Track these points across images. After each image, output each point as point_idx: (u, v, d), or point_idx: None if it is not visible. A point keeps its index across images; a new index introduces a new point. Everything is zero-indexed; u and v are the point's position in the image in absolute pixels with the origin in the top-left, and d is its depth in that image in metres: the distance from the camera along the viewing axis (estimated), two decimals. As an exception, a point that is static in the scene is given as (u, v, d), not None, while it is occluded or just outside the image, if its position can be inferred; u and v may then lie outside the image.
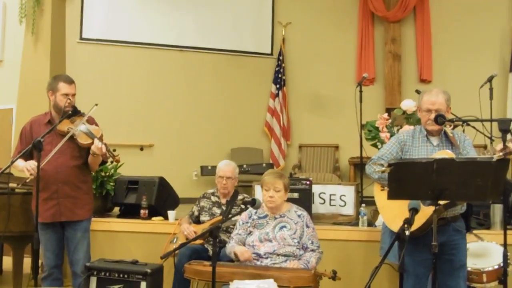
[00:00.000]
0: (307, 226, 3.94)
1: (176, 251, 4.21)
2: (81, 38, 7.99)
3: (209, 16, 8.54)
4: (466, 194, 2.92)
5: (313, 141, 8.57)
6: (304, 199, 5.23)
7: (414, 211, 2.97)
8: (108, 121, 6.99)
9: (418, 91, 5.77)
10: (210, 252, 4.37)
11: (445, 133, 3.52)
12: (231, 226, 4.47)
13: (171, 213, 5.40)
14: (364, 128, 5.72)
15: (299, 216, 3.97)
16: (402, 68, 8.52)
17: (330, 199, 5.57)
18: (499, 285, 3.92)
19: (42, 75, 7.15)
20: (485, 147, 6.72)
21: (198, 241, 4.44)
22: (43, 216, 3.99)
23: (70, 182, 4.11)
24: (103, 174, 5.63)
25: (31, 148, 3.80)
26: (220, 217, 4.61)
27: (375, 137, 5.48)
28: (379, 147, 5.36)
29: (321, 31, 8.76)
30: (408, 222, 2.89)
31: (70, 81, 4.16)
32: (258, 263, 3.80)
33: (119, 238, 5.37)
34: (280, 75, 8.65)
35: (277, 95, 8.62)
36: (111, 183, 5.68)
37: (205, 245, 4.55)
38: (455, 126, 3.97)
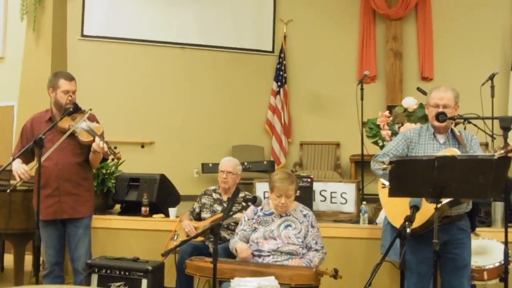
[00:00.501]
0: (312, 226, 3.94)
1: (177, 248, 4.21)
2: (82, 35, 7.99)
3: (210, 13, 8.53)
4: (468, 191, 2.91)
5: (314, 138, 8.58)
6: (305, 197, 5.23)
7: (415, 208, 2.97)
8: (109, 118, 6.99)
9: (419, 89, 5.77)
10: (211, 249, 4.40)
11: (452, 131, 3.51)
12: (232, 224, 4.48)
13: (172, 211, 5.40)
14: (365, 125, 5.72)
15: (304, 215, 3.96)
16: (404, 66, 8.51)
17: (331, 197, 5.57)
18: (500, 282, 3.91)
19: (43, 72, 7.15)
20: (486, 145, 6.73)
21: (199, 238, 4.45)
22: (44, 213, 3.98)
23: (71, 179, 4.11)
24: (104, 171, 5.63)
25: (32, 145, 3.79)
26: (221, 214, 4.61)
27: (376, 134, 5.48)
28: (380, 144, 5.36)
29: (323, 28, 8.76)
30: (409, 219, 2.90)
31: (71, 78, 4.16)
32: (260, 260, 3.80)
33: (120, 236, 5.37)
34: (281, 73, 8.65)
35: (278, 92, 8.62)
36: (112, 181, 5.68)
37: (206, 242, 4.55)
38: (456, 124, 3.96)
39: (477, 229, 4.94)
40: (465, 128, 3.87)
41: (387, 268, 4.76)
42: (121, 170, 5.83)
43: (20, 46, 7.61)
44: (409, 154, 3.49)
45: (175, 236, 4.79)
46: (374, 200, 5.31)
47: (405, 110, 5.36)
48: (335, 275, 3.58)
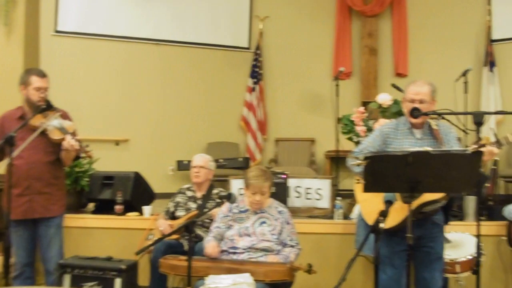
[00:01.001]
0: (287, 223, 3.93)
1: (151, 247, 4.17)
2: (56, 31, 7.86)
3: (185, 9, 8.46)
4: (441, 186, 2.93)
5: (289, 135, 8.58)
6: (280, 193, 5.23)
7: (389, 203, 2.98)
8: (83, 116, 6.92)
9: (394, 85, 5.80)
10: (186, 247, 4.36)
11: (429, 125, 3.51)
12: (207, 221, 4.45)
13: (146, 209, 5.35)
14: (340, 121, 5.74)
15: (279, 212, 3.95)
16: (379, 62, 8.55)
17: (306, 193, 5.58)
18: (472, 275, 3.95)
19: (15, 68, 7.00)
20: (459, 139, 6.80)
21: (173, 236, 4.40)
22: (14, 212, 3.90)
23: (42, 178, 4.04)
24: (77, 169, 5.55)
25: (3, 144, 3.71)
26: (196, 212, 4.58)
27: (351, 130, 5.50)
28: (355, 140, 5.38)
29: (299, 25, 8.75)
30: (383, 214, 2.90)
31: (43, 75, 4.08)
32: (235, 257, 3.77)
33: (94, 235, 5.30)
34: (257, 69, 8.62)
35: (254, 89, 8.60)
36: (86, 179, 5.60)
37: (181, 240, 4.52)
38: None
39: (450, 223, 4.99)
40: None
41: (362, 263, 4.79)
42: (95, 168, 5.75)
43: (-10, 42, 7.46)
44: (386, 150, 3.48)
45: (150, 236, 4.75)
46: (348, 195, 5.34)
47: (380, 106, 5.39)
48: (309, 270, 3.58)
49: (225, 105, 8.59)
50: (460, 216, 5.22)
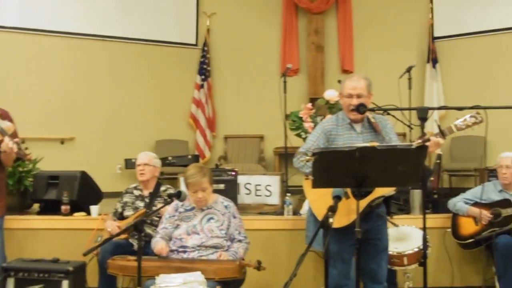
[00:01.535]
0: (234, 217, 3.92)
1: (99, 248, 4.08)
2: (-5, 26, 7.58)
3: (132, 5, 8.32)
4: (388, 180, 2.98)
5: (238, 132, 8.59)
6: (230, 190, 5.22)
7: (337, 199, 3.01)
8: (26, 114, 6.72)
9: (340, 82, 5.85)
10: (135, 247, 4.29)
11: (368, 119, 3.56)
12: (156, 219, 4.39)
13: (94, 208, 5.24)
14: (288, 118, 5.76)
15: (226, 207, 3.94)
16: (325, 59, 8.65)
17: (256, 189, 5.59)
18: (419, 267, 4.05)
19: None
20: (404, 135, 6.95)
21: (122, 236, 4.33)
22: (-47, 215, 3.74)
23: (-18, 180, 3.88)
24: (20, 169, 5.38)
25: None
26: (144, 210, 4.52)
27: (299, 127, 5.52)
28: (303, 137, 5.40)
29: (246, 22, 8.75)
30: (332, 209, 2.93)
31: None
32: (185, 255, 3.74)
33: (39, 236, 5.15)
34: (205, 66, 8.58)
35: (202, 86, 8.56)
36: (30, 179, 5.44)
37: (130, 240, 4.44)
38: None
39: (396, 217, 5.10)
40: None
41: (312, 258, 4.83)
42: (39, 168, 5.59)
43: None
44: (331, 146, 3.52)
45: (99, 238, 4.65)
46: (298, 191, 5.38)
47: (327, 102, 5.43)
48: (259, 267, 3.58)
49: (174, 103, 8.51)
50: (406, 209, 5.33)
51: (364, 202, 3.28)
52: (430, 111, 3.34)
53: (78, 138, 7.90)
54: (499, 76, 7.88)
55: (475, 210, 4.77)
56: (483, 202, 4.70)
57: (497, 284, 4.55)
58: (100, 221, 4.89)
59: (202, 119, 8.50)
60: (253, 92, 8.64)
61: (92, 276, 4.41)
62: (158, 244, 3.78)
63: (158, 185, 4.72)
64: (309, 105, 5.53)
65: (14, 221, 5.01)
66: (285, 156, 6.23)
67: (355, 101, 3.44)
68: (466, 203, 4.88)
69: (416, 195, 5.27)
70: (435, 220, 5.11)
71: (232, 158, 8.44)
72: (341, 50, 8.68)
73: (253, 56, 8.71)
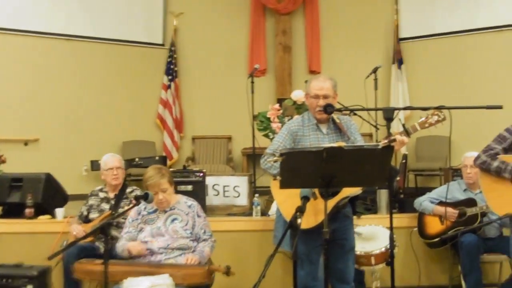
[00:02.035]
0: (198, 216, 3.91)
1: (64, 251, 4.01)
2: (-46, 25, 7.38)
3: (98, 4, 8.19)
4: (355, 180, 3.00)
5: (206, 132, 8.55)
6: (198, 191, 5.21)
7: (305, 199, 3.01)
8: (-13, 115, 6.56)
9: (308, 82, 5.91)
10: (102, 250, 4.23)
11: (333, 119, 3.59)
12: (122, 221, 4.33)
13: (59, 211, 5.16)
14: (256, 118, 5.77)
15: (189, 206, 3.92)
16: (293, 60, 8.68)
17: (224, 191, 5.59)
18: (386, 266, 4.08)
19: None
20: (370, 135, 7.02)
21: (88, 239, 4.26)
22: None
23: None
24: (-18, 172, 5.26)
25: None
26: (109, 212, 4.47)
27: (267, 127, 5.54)
28: (270, 137, 5.42)
29: (214, 22, 8.72)
30: (300, 210, 2.94)
31: None
32: (152, 258, 3.71)
33: (2, 240, 5.04)
34: (172, 66, 8.52)
35: (169, 86, 8.49)
36: (-8, 182, 5.31)
37: (96, 243, 4.38)
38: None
39: (364, 216, 5.15)
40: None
41: (280, 259, 4.84)
42: (2, 170, 5.47)
43: None
44: (297, 147, 3.53)
45: (64, 242, 4.56)
46: (266, 192, 5.38)
47: (294, 102, 5.46)
48: (227, 272, 3.57)
49: (140, 103, 8.42)
50: (373, 209, 5.38)
51: (331, 203, 3.30)
52: (395, 111, 3.37)
53: (43, 139, 7.74)
54: (463, 77, 8.01)
55: (441, 209, 4.83)
56: (448, 201, 4.77)
57: (463, 283, 4.62)
58: (65, 224, 4.81)
59: (169, 120, 8.43)
60: (220, 92, 8.62)
61: (57, 281, 4.34)
62: (133, 245, 3.73)
63: (124, 187, 4.67)
64: (277, 105, 5.55)
65: (-24, 225, 4.90)
66: (253, 156, 6.24)
67: (321, 102, 3.47)
68: (432, 202, 4.95)
69: (383, 195, 5.33)
70: (402, 219, 5.17)
71: (200, 159, 8.41)
72: (308, 50, 8.72)
73: (220, 56, 8.68)
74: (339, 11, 8.73)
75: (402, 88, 8.34)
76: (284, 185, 2.97)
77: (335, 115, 3.59)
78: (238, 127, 8.04)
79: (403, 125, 3.48)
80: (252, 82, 6.22)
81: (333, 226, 3.35)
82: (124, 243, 3.80)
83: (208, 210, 5.32)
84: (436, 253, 5.08)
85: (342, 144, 3.39)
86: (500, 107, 3.36)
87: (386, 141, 3.36)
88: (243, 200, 5.57)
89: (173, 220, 3.84)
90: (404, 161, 5.94)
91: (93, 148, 7.79)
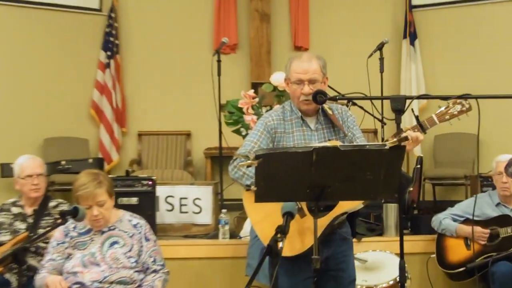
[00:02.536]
0: (147, 239, 3.89)
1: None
2: None
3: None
4: (354, 191, 3.00)
5: (157, 127, 8.52)
6: (146, 206, 5.21)
7: (289, 216, 3.00)
8: None
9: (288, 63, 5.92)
10: (14, 284, 4.19)
11: (324, 111, 3.58)
12: (43, 245, 4.30)
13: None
14: (224, 109, 5.76)
15: (134, 226, 3.91)
16: (272, 32, 8.68)
17: (181, 204, 5.59)
18: (395, 305, 4.12)
19: None
20: (375, 132, 7.06)
21: (-3, 270, 4.23)
22: None
23: None
24: None
25: None
26: (26, 234, 4.42)
27: (239, 121, 5.54)
28: (243, 134, 5.42)
29: (167, -19, 8.72)
30: (282, 230, 2.92)
31: None
32: (84, 295, 3.69)
33: None
34: (111, 39, 8.46)
35: (108, 65, 8.44)
36: None
37: (7, 275, 4.34)
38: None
39: (366, 239, 5.17)
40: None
41: (255, 296, 4.84)
42: None
43: None
44: (277, 147, 3.51)
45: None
46: (237, 206, 5.37)
47: (275, 88, 5.46)
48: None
49: (69, 87, 8.36)
50: (378, 230, 5.42)
51: (324, 221, 3.30)
52: (407, 101, 3.39)
53: None
54: (496, 57, 8.11)
55: (467, 229, 4.87)
56: (476, 219, 4.81)
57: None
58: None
59: (107, 110, 8.38)
60: (176, 74, 8.59)
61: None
62: (53, 282, 3.68)
63: (45, 200, 4.63)
64: (251, 92, 5.55)
65: None
66: (220, 159, 6.23)
67: (307, 89, 3.46)
68: (455, 220, 4.99)
69: (391, 211, 5.37)
70: (416, 243, 5.22)
71: (149, 162, 8.38)
72: (293, 20, 8.73)
73: (176, 26, 8.66)
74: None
75: (416, 70, 8.41)
76: (260, 197, 2.96)
77: (326, 105, 3.58)
78: (199, 121, 8.03)
79: (417, 118, 3.50)
80: (219, 61, 6.21)
81: (326, 252, 3.36)
82: (44, 276, 3.75)
83: (160, 231, 5.30)
84: (460, 286, 5.13)
85: (336, 143, 3.40)
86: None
87: (395, 139, 3.36)
88: (206, 218, 5.58)
89: (112, 244, 3.82)
90: (418, 166, 5.98)
91: (5, 148, 7.72)
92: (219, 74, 6.15)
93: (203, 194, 5.62)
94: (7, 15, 8.06)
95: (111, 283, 3.71)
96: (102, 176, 3.84)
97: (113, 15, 8.52)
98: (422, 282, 5.15)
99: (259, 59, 8.57)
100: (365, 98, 3.76)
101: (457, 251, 4.94)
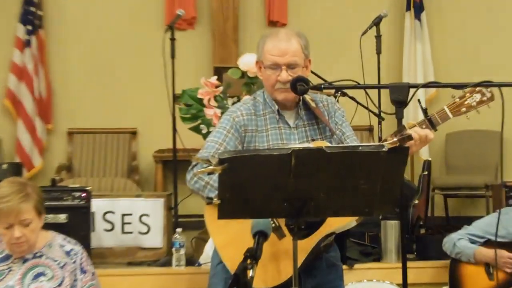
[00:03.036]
0: (83, 271, 3.89)
1: None
2: None
3: None
4: (343, 205, 3.02)
5: (92, 123, 8.50)
6: (77, 224, 5.20)
7: (261, 236, 3.02)
8: None
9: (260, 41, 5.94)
10: None
11: (305, 102, 3.61)
12: None
13: None
14: (179, 101, 5.77)
15: (68, 253, 3.90)
16: (241, 3, 8.70)
17: (123, 223, 5.58)
18: None
19: None
20: (370, 129, 7.11)
21: None
22: None
23: None
24: None
25: None
26: None
27: (198, 115, 5.55)
28: (203, 132, 5.43)
29: None
30: (253, 254, 2.94)
31: None
32: None
33: None
34: (32, 9, 8.43)
35: (28, 43, 8.41)
36: None
37: None
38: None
39: (359, 265, 5.21)
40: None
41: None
42: None
43: None
44: (248, 149, 3.52)
45: None
46: (196, 224, 5.40)
47: (244, 74, 5.48)
48: None
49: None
50: (375, 254, 5.45)
51: (307, 243, 3.32)
52: (411, 90, 3.42)
53: None
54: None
55: (488, 254, 4.91)
56: (500, 240, 4.85)
57: None
58: None
59: (27, 101, 8.35)
60: (118, 56, 8.58)
61: None
62: None
63: None
64: (214, 79, 5.56)
65: None
66: (174, 164, 6.24)
67: (284, 75, 3.47)
68: (473, 242, 5.03)
69: (391, 230, 5.41)
70: (423, 271, 5.27)
71: (82, 168, 8.36)
72: (267, -13, 8.79)
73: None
74: None
75: (423, 52, 8.48)
76: (225, 213, 2.98)
77: (308, 96, 3.60)
78: (148, 116, 8.05)
79: (425, 111, 3.52)
80: (173, 40, 6.22)
81: (309, 283, 3.39)
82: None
83: (96, 257, 5.28)
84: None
85: (322, 143, 3.42)
86: None
87: (395, 138, 3.39)
88: (156, 239, 5.58)
89: (37, 276, 3.81)
90: (426, 172, 6.04)
91: None
92: (172, 56, 6.14)
93: (152, 209, 5.61)
94: None
95: (34, 325, 3.72)
96: (30, 188, 3.78)
97: (34, -21, 8.51)
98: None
99: (224, 37, 8.60)
100: (358, 87, 3.77)
101: (476, 282, 4.97)
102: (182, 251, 5.27)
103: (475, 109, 3.47)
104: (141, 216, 5.59)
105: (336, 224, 3.38)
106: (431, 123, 3.45)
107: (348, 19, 7.77)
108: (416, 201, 5.64)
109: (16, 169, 7.52)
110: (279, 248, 3.27)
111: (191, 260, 5.35)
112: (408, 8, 8.52)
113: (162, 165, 7.95)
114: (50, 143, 8.60)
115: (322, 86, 3.56)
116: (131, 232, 5.58)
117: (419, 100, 3.53)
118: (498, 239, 4.81)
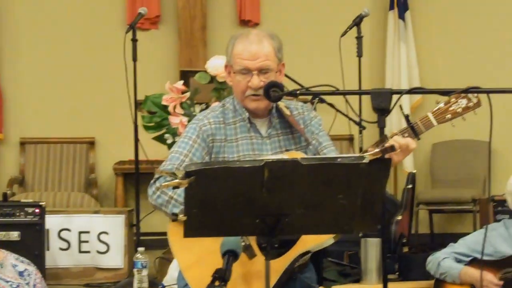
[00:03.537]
0: (37, 294, 3.88)
1: None
2: None
3: None
4: (320, 222, 3.03)
5: (46, 133, 8.47)
6: (30, 243, 5.20)
7: (231, 256, 3.02)
8: None
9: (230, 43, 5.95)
10: None
11: (278, 110, 3.61)
12: None
13: None
14: (142, 108, 5.76)
15: (21, 274, 3.91)
16: (210, 0, 8.71)
17: (80, 241, 5.57)
18: None
19: None
20: (350, 139, 7.13)
21: None
22: None
23: None
24: None
25: None
26: None
27: (162, 124, 5.55)
28: (168, 142, 5.43)
29: None
30: (221, 276, 2.94)
31: None
32: None
33: None
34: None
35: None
36: None
37: None
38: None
39: (338, 287, 5.22)
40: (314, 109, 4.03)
41: None
42: None
43: None
44: (216, 161, 3.52)
45: None
46: (159, 243, 5.39)
47: (212, 79, 5.49)
48: None
49: None
50: (354, 275, 5.47)
51: (280, 263, 3.32)
52: (394, 97, 3.43)
53: None
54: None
55: (474, 274, 4.94)
56: (487, 258, 4.88)
57: None
58: None
59: (-26, 108, 8.34)
60: (74, 58, 8.56)
61: None
62: None
63: None
64: (180, 83, 5.56)
65: None
66: (136, 177, 6.23)
67: (256, 81, 3.47)
68: (459, 261, 5.05)
69: (372, 248, 5.42)
70: (406, 292, 5.29)
71: (35, 181, 8.32)
72: (237, -15, 8.81)
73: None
74: None
75: (407, 54, 8.51)
76: (192, 231, 2.97)
77: (282, 103, 3.60)
78: (107, 124, 8.02)
79: (407, 118, 3.52)
80: (135, 41, 6.21)
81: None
82: None
83: (51, 278, 5.27)
84: None
85: (297, 155, 3.42)
86: None
87: (377, 149, 3.39)
88: (115, 259, 5.57)
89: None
90: (410, 186, 6.07)
91: None
92: (134, 59, 6.13)
93: (112, 226, 5.61)
94: None
95: None
96: None
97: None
98: None
99: (191, 37, 8.61)
100: (337, 93, 3.77)
101: (462, 304, 5.00)
102: (145, 272, 5.25)
103: (461, 116, 3.47)
104: (99, 234, 5.59)
105: (311, 242, 3.37)
106: (414, 131, 3.44)
107: (326, 19, 7.78)
108: (399, 217, 5.66)
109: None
110: (249, 269, 3.26)
111: (154, 282, 5.34)
112: (391, 7, 8.55)
113: (123, 178, 7.93)
114: (0, 154, 8.56)
115: (298, 92, 3.55)
116: (88, 251, 5.57)
117: (401, 106, 3.53)
118: (485, 257, 4.82)
